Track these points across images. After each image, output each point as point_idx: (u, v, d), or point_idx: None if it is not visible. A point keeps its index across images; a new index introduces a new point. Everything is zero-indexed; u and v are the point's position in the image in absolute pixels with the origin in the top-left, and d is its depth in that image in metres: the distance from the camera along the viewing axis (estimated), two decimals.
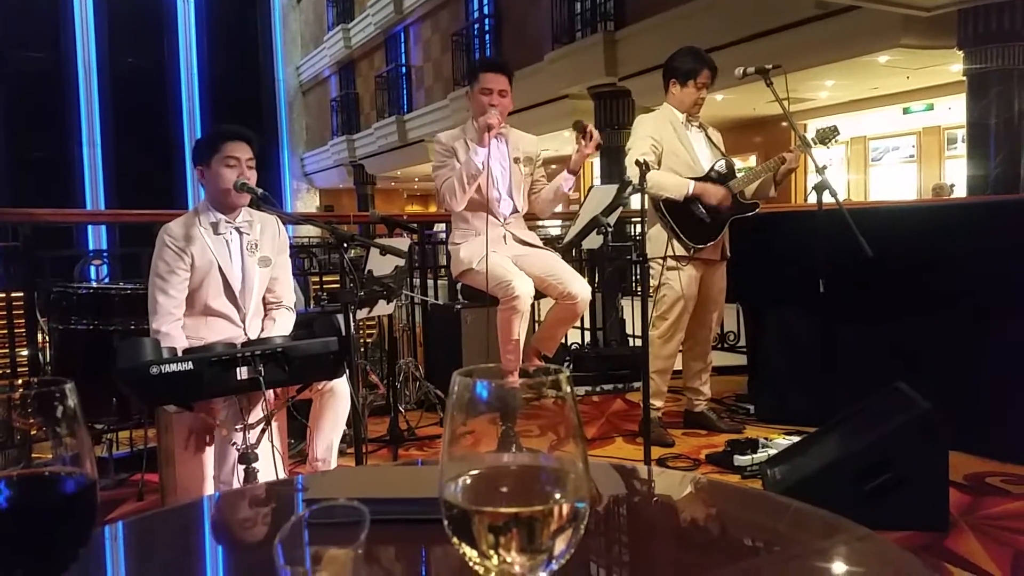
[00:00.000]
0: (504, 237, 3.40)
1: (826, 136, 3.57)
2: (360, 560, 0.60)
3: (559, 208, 3.92)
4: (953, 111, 11.52)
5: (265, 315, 2.77)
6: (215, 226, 2.63)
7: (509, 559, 0.50)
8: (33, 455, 0.55)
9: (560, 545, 0.51)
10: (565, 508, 0.50)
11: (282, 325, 2.73)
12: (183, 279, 2.55)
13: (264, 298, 2.75)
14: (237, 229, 2.67)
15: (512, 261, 3.31)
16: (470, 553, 0.51)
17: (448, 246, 3.65)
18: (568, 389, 0.52)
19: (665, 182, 3.56)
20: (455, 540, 0.51)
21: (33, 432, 0.55)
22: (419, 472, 1.21)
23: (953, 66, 9.10)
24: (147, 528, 1.02)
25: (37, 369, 3.69)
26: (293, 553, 0.58)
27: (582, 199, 3.52)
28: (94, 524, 0.55)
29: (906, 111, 12.67)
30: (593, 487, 0.55)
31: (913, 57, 9.28)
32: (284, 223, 2.85)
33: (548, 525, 0.50)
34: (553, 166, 3.97)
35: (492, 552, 0.50)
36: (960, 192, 9.98)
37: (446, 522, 0.52)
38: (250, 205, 2.72)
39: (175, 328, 2.51)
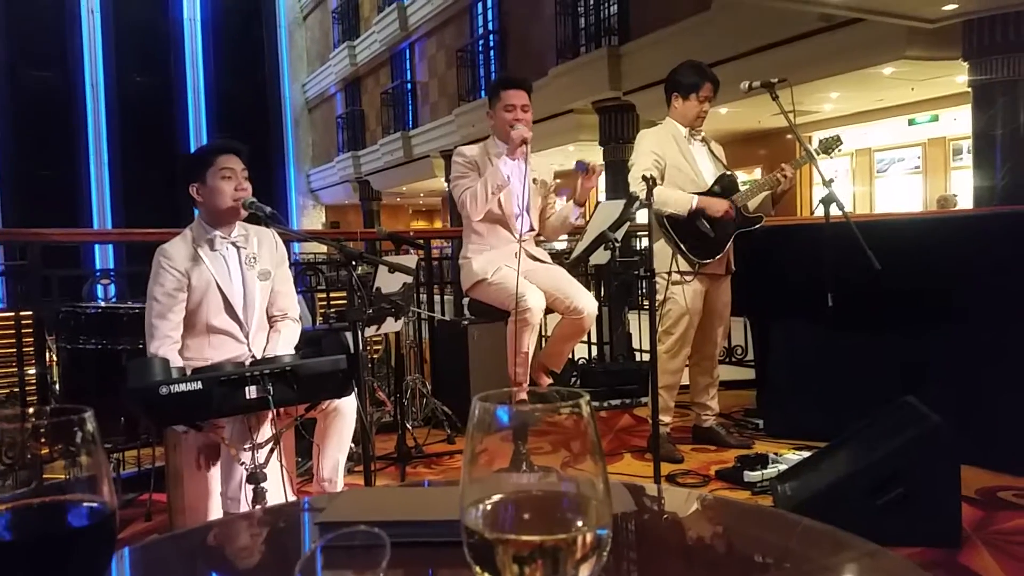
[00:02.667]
0: (516, 253, 3.41)
1: (829, 145, 3.58)
2: None
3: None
4: (958, 122, 11.51)
5: (271, 329, 2.74)
6: (211, 243, 2.61)
7: None
8: (45, 476, 0.54)
9: (583, 573, 0.50)
10: (588, 537, 0.50)
11: (288, 338, 2.71)
12: (180, 301, 2.54)
13: (268, 312, 2.74)
14: (234, 244, 2.65)
15: (522, 275, 3.32)
16: None
17: (459, 260, 3.66)
18: (588, 412, 0.52)
19: (668, 198, 3.56)
20: (476, 568, 0.51)
21: (44, 451, 0.54)
22: (431, 493, 1.20)
23: (958, 77, 9.11)
24: (158, 553, 1.01)
25: (45, 389, 3.68)
26: None
27: (588, 215, 3.53)
28: (112, 554, 0.55)
29: (911, 122, 12.67)
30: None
31: (918, 69, 9.30)
32: (292, 241, 2.84)
33: (572, 554, 0.50)
34: (558, 180, 3.98)
35: None
36: (966, 203, 9.96)
37: (467, 549, 0.51)
38: (251, 221, 2.72)
39: (172, 352, 2.49)
